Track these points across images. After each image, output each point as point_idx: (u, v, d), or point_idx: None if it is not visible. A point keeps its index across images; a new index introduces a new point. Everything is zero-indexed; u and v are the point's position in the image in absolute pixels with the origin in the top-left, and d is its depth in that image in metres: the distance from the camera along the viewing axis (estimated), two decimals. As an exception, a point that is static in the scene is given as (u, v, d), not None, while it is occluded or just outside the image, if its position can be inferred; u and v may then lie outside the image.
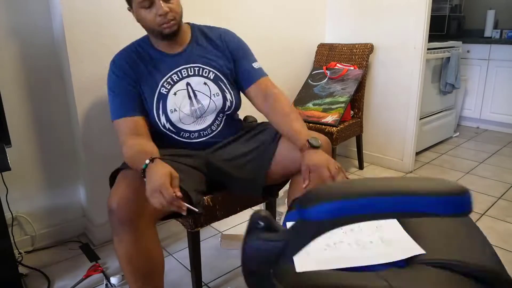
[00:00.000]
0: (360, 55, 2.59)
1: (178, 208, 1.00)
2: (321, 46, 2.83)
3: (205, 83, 1.32)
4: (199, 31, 1.39)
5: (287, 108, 1.31)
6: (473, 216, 2.07)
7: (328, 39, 2.93)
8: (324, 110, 2.41)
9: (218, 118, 1.35)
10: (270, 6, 2.49)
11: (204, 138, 1.35)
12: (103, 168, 1.78)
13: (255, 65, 1.40)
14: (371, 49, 2.58)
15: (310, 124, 2.37)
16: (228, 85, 1.36)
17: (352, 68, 2.55)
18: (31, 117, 1.70)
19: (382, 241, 0.83)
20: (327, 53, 2.77)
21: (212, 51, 1.36)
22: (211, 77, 1.33)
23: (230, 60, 1.37)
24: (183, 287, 1.54)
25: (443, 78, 3.13)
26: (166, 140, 1.33)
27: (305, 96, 2.55)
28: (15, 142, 1.60)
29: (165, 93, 1.29)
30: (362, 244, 0.83)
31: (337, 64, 2.63)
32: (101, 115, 1.74)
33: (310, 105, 2.49)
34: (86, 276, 1.58)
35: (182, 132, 1.33)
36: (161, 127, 1.31)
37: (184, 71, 1.31)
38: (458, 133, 3.62)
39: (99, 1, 1.64)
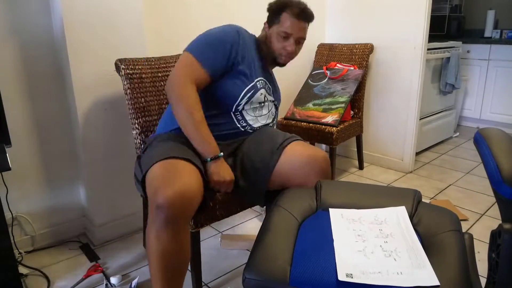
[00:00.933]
0: (360, 55, 2.59)
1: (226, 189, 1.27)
2: (321, 46, 2.83)
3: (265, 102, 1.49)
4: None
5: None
6: (473, 216, 2.07)
7: (328, 39, 2.93)
8: (324, 110, 2.41)
9: (271, 110, 1.54)
10: (270, 6, 2.49)
11: (244, 129, 1.44)
12: (103, 168, 1.79)
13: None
14: (371, 49, 2.58)
15: (310, 124, 2.37)
16: (278, 90, 1.61)
17: (352, 68, 2.55)
18: (31, 117, 1.70)
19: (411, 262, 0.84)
20: (327, 53, 2.77)
21: (274, 83, 1.61)
22: (270, 99, 1.53)
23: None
24: (183, 287, 1.54)
25: (443, 78, 3.13)
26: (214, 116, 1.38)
27: (305, 96, 2.55)
28: (15, 142, 1.60)
29: (259, 87, 1.43)
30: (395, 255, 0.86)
31: (337, 64, 2.63)
32: (101, 115, 1.74)
33: (310, 105, 2.49)
34: (86, 276, 1.58)
35: (242, 122, 1.42)
36: (235, 104, 1.38)
37: (266, 84, 1.49)
38: (458, 133, 3.63)
39: (99, 1, 1.64)
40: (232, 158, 1.41)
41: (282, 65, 1.49)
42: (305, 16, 1.41)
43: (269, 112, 1.51)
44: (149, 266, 1.11)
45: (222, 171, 1.25)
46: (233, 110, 1.39)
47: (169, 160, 1.16)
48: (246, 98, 1.40)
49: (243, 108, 1.41)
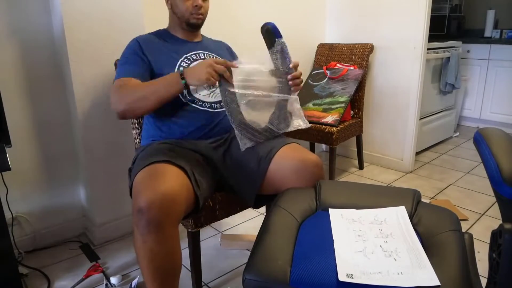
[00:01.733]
0: (360, 55, 2.59)
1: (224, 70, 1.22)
2: (321, 46, 2.83)
3: None
4: (207, 37, 1.61)
5: None
6: (473, 216, 2.07)
7: (328, 39, 2.93)
8: (324, 110, 2.41)
9: None
10: (270, 6, 2.49)
11: (213, 110, 1.40)
12: (103, 168, 1.79)
13: None
14: (371, 49, 2.58)
15: (310, 124, 2.37)
16: None
17: (352, 68, 2.55)
18: (31, 117, 1.70)
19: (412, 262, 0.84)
20: (327, 53, 2.77)
21: (222, 51, 1.57)
22: None
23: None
24: (183, 287, 1.54)
25: (443, 78, 3.13)
26: (175, 109, 1.38)
27: (305, 96, 2.55)
28: (15, 142, 1.60)
29: (186, 66, 1.41)
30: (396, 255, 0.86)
31: (337, 64, 2.63)
32: (101, 115, 1.74)
33: (310, 105, 2.49)
34: (86, 276, 1.58)
35: (196, 100, 1.39)
36: (179, 101, 1.36)
37: (201, 55, 1.47)
38: (458, 133, 3.63)
39: (99, 1, 1.64)
40: (221, 162, 1.37)
41: (197, 26, 1.47)
42: None
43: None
44: (141, 271, 1.11)
45: (199, 64, 1.24)
46: (181, 97, 1.37)
47: (151, 166, 1.16)
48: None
49: (188, 92, 1.38)
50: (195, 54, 1.46)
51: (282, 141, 1.34)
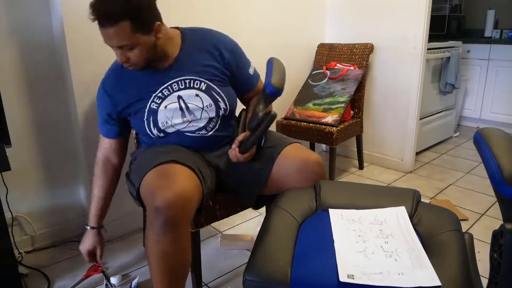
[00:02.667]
0: (360, 55, 2.59)
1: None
2: (321, 46, 2.83)
3: (197, 95, 1.28)
4: (191, 36, 1.32)
5: None
6: (473, 216, 2.07)
7: (328, 39, 2.93)
8: (324, 110, 2.41)
9: (212, 121, 1.33)
10: (270, 6, 2.49)
11: (198, 135, 1.33)
12: (103, 168, 1.78)
13: (251, 70, 1.41)
14: (371, 49, 2.58)
15: (310, 124, 2.37)
16: (221, 92, 1.31)
17: (352, 68, 2.55)
18: (31, 117, 1.70)
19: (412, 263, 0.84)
20: (327, 53, 2.77)
21: (205, 58, 1.30)
22: (203, 88, 1.29)
23: (225, 67, 1.34)
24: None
25: (443, 78, 3.13)
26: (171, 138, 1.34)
27: (305, 96, 2.55)
28: (15, 142, 1.60)
29: (156, 108, 1.27)
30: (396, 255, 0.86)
31: (337, 64, 2.63)
32: (101, 115, 1.74)
33: (310, 105, 2.49)
34: (86, 276, 1.58)
35: (175, 134, 1.32)
36: (154, 136, 1.32)
37: (174, 85, 1.28)
38: (458, 133, 3.62)
39: (99, 1, 1.63)
40: (223, 163, 1.36)
41: (138, 69, 1.24)
42: (103, 21, 1.10)
43: (203, 107, 1.30)
44: (149, 270, 1.10)
45: (84, 243, 1.42)
46: (154, 137, 1.33)
47: (161, 166, 1.15)
48: (151, 125, 1.30)
49: (162, 132, 1.31)
50: (167, 87, 1.27)
51: (284, 141, 1.34)
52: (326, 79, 2.58)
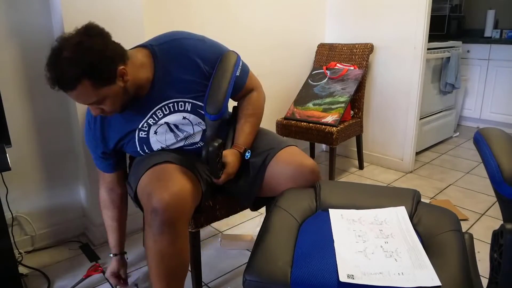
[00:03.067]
0: (360, 55, 2.59)
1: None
2: (321, 46, 2.83)
3: (184, 118, 1.24)
4: (162, 54, 1.20)
5: (250, 110, 1.34)
6: (473, 216, 2.07)
7: (328, 39, 2.93)
8: (324, 110, 2.41)
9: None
10: (270, 6, 2.49)
11: (195, 147, 1.31)
12: (103, 168, 1.78)
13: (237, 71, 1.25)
14: (371, 49, 2.58)
15: (310, 124, 2.37)
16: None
17: (352, 68, 2.55)
18: (31, 117, 1.70)
19: (412, 262, 0.84)
20: (327, 53, 2.77)
21: (182, 73, 1.20)
22: (189, 109, 1.23)
23: (205, 79, 1.23)
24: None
25: (443, 78, 3.13)
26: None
27: (305, 96, 2.55)
28: (15, 142, 1.60)
29: (145, 136, 1.25)
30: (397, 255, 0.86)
31: (337, 64, 2.63)
32: (101, 115, 1.74)
33: (310, 105, 2.49)
34: (86, 276, 1.58)
35: (174, 149, 1.31)
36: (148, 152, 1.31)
37: (159, 112, 1.22)
38: (458, 133, 3.63)
39: (99, 1, 1.63)
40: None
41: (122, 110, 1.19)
42: (62, 87, 1.04)
43: (192, 124, 1.27)
44: (148, 270, 1.11)
45: (110, 267, 1.48)
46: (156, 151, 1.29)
47: (157, 167, 1.15)
48: (147, 151, 1.28)
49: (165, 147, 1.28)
50: (152, 116, 1.22)
51: (278, 144, 1.31)
52: (326, 79, 2.58)
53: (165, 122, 1.24)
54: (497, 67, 3.54)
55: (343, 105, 2.37)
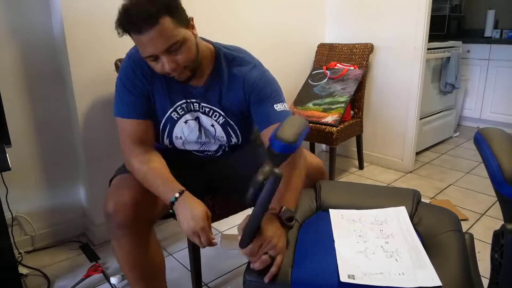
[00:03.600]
0: (360, 55, 2.59)
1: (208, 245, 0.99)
2: (321, 46, 2.83)
3: (212, 125, 1.22)
4: (225, 61, 1.17)
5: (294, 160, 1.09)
6: (473, 216, 2.07)
7: (328, 39, 2.93)
8: (324, 110, 2.41)
9: (222, 147, 1.29)
10: (270, 6, 2.49)
11: (205, 155, 1.30)
12: (103, 168, 1.78)
13: (278, 107, 1.15)
14: (371, 49, 2.58)
15: (310, 124, 2.37)
16: (237, 128, 1.24)
17: (352, 68, 2.55)
18: (31, 117, 1.70)
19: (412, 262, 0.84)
20: (327, 53, 2.77)
21: (230, 92, 1.17)
22: (220, 122, 1.22)
23: (247, 104, 1.19)
24: (183, 287, 1.54)
25: (443, 78, 3.13)
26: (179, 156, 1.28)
27: (305, 96, 2.55)
28: (15, 142, 1.60)
29: (176, 118, 1.19)
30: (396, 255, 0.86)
31: (337, 64, 2.63)
32: (101, 115, 1.74)
33: (310, 105, 2.49)
34: (86, 276, 1.58)
35: (183, 151, 1.28)
36: (161, 145, 1.26)
37: (196, 105, 1.19)
38: (458, 133, 3.63)
39: (99, 1, 1.63)
40: (217, 171, 1.34)
41: (182, 81, 1.09)
42: (142, 24, 0.96)
43: (215, 136, 1.23)
44: (126, 277, 1.13)
45: (185, 217, 0.99)
46: (161, 146, 1.24)
47: (125, 174, 1.14)
48: (166, 133, 1.21)
49: (172, 145, 1.23)
50: (192, 103, 1.18)
51: None
52: (326, 79, 2.58)
53: (197, 117, 1.20)
54: (497, 67, 3.54)
55: (343, 105, 2.37)
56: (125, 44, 1.45)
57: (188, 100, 1.17)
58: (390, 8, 2.54)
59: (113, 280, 1.56)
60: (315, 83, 2.59)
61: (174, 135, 1.22)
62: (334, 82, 2.53)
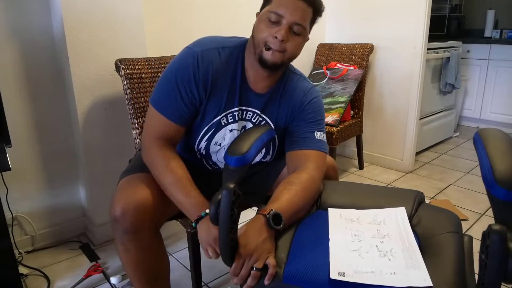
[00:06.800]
0: (360, 55, 2.59)
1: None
2: (321, 46, 2.83)
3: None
4: (290, 79, 1.19)
5: (292, 178, 1.07)
6: (473, 216, 2.07)
7: (328, 39, 2.93)
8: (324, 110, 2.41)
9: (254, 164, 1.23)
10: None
11: (217, 170, 1.27)
12: (103, 168, 1.79)
13: (318, 135, 1.15)
14: (371, 49, 2.58)
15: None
16: (277, 146, 1.22)
17: (352, 68, 2.55)
18: (31, 117, 1.70)
19: (406, 261, 0.84)
20: (327, 53, 2.77)
21: (286, 111, 1.16)
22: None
23: (291, 121, 1.18)
24: (183, 287, 1.54)
25: (443, 78, 3.13)
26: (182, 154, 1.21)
27: (305, 96, 2.55)
28: (15, 142, 1.60)
29: (223, 124, 1.14)
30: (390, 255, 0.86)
31: (337, 64, 2.63)
32: (101, 115, 1.74)
33: (310, 105, 2.49)
34: (86, 276, 1.58)
35: (209, 161, 1.23)
36: (194, 149, 1.20)
37: (249, 114, 1.15)
38: (458, 133, 3.63)
39: (99, 1, 1.64)
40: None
41: (268, 64, 1.05)
42: None
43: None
44: (130, 280, 1.12)
45: (203, 234, 0.99)
46: (193, 149, 1.20)
47: (133, 175, 1.13)
48: (206, 137, 1.16)
49: (206, 150, 1.18)
50: (241, 111, 1.13)
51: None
52: (326, 79, 2.58)
53: (244, 126, 1.17)
54: (497, 67, 3.54)
55: (343, 105, 2.37)
56: (125, 44, 1.45)
57: (243, 108, 1.14)
58: (390, 8, 2.54)
59: (113, 280, 1.56)
60: (315, 83, 2.59)
61: (214, 140, 1.17)
62: (334, 82, 2.53)
